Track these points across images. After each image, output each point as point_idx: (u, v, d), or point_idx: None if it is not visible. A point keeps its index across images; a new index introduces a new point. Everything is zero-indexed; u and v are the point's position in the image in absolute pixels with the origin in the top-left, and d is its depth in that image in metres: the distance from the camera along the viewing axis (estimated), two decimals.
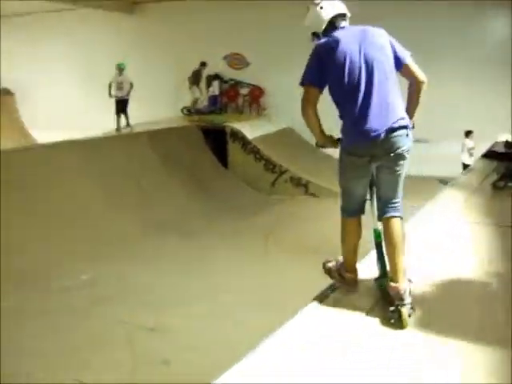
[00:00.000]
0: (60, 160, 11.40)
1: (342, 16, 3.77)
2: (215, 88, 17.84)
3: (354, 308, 3.77)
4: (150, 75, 18.37)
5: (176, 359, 6.01)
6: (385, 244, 3.82)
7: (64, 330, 6.90)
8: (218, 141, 15.16)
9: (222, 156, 14.98)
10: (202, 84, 17.75)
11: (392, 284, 3.63)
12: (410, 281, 3.70)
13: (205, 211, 12.34)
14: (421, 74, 3.75)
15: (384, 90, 3.60)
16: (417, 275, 4.01)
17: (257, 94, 17.59)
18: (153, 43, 18.64)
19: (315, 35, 3.81)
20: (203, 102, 17.78)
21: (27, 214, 9.87)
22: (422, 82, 3.74)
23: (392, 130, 3.57)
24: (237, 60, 17.82)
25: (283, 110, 16.81)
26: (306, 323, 3.67)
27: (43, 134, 18.16)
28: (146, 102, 17.76)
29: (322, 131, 3.85)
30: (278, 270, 8.77)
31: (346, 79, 3.59)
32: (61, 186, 10.83)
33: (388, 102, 3.60)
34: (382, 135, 3.56)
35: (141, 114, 16.56)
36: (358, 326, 3.57)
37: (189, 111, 17.65)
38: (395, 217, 3.77)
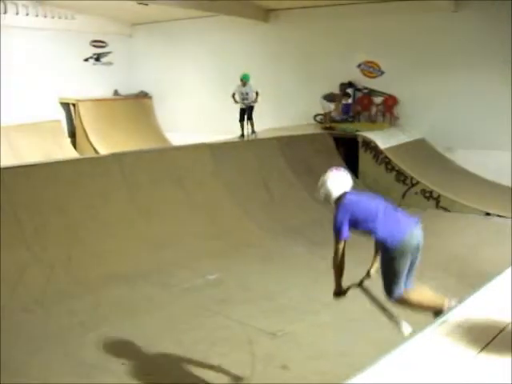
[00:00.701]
0: (193, 162, 11.79)
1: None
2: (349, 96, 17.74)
3: (469, 339, 3.65)
4: (282, 82, 18.55)
5: (296, 366, 6.03)
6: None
7: (186, 326, 7.16)
8: (349, 149, 15.06)
9: (352, 165, 14.85)
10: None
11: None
12: None
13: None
14: None
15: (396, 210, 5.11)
16: None
17: (390, 103, 17.29)
18: (286, 49, 18.73)
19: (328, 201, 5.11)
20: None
21: (158, 212, 10.32)
22: None
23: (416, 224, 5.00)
24: (371, 68, 17.61)
25: (416, 120, 16.46)
26: (423, 345, 3.60)
27: (176, 137, 18.91)
28: (277, 108, 17.96)
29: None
30: None
31: (382, 211, 4.96)
32: (193, 187, 11.22)
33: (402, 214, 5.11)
34: (412, 229, 4.93)
35: (272, 121, 16.76)
36: (470, 357, 3.45)
37: (321, 119, 17.62)
38: None
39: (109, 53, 21.89)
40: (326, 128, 16.25)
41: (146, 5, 16.79)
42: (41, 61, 19.57)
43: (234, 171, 12.20)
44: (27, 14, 18.94)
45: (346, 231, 4.86)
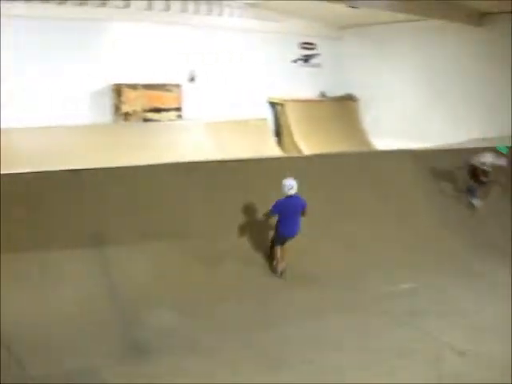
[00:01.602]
0: (394, 168, 11.59)
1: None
2: None
3: None
4: (491, 87, 17.63)
5: None
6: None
7: (373, 333, 7.16)
8: None
9: None
10: None
11: None
12: None
13: None
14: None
15: (298, 219, 8.76)
16: None
17: None
18: (497, 54, 17.74)
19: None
20: None
21: (354, 215, 10.29)
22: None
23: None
24: None
25: None
26: None
27: (380, 142, 18.74)
28: (485, 114, 17.11)
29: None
30: None
31: (286, 214, 8.74)
32: (392, 193, 11.07)
33: (299, 222, 8.75)
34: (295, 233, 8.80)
35: (477, 129, 16.00)
36: None
37: None
38: None
39: (317, 55, 22.31)
40: None
41: (356, 8, 16.83)
42: (251, 61, 20.46)
43: (435, 181, 11.83)
44: (241, 17, 19.93)
45: (272, 213, 8.76)
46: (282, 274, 8.68)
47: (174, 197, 8.87)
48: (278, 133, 21.07)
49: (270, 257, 8.92)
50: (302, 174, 10.17)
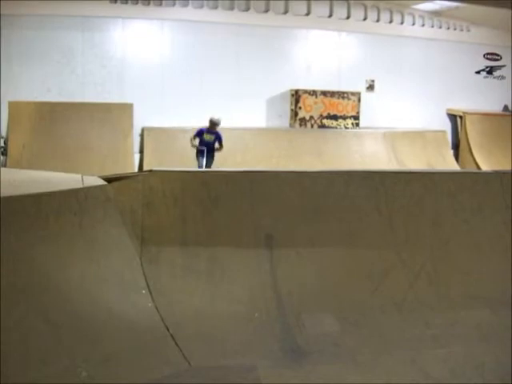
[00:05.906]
0: None
1: None
2: None
3: None
4: None
5: None
6: None
7: None
8: None
9: None
10: None
11: None
12: None
13: None
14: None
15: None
16: None
17: None
18: None
19: None
20: None
21: None
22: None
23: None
24: None
25: None
26: None
27: None
28: None
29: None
30: None
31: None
32: None
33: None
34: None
35: None
36: None
37: None
38: None
39: (502, 66, 21.34)
40: None
41: None
42: (432, 71, 20.06)
43: None
44: (423, 25, 19.68)
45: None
46: None
47: (345, 204, 8.79)
48: (457, 146, 20.46)
49: None
50: (480, 190, 9.73)
